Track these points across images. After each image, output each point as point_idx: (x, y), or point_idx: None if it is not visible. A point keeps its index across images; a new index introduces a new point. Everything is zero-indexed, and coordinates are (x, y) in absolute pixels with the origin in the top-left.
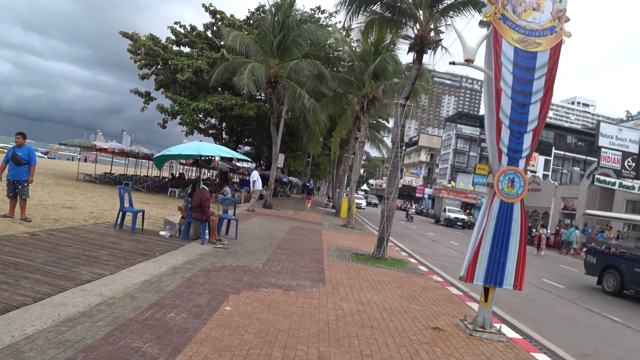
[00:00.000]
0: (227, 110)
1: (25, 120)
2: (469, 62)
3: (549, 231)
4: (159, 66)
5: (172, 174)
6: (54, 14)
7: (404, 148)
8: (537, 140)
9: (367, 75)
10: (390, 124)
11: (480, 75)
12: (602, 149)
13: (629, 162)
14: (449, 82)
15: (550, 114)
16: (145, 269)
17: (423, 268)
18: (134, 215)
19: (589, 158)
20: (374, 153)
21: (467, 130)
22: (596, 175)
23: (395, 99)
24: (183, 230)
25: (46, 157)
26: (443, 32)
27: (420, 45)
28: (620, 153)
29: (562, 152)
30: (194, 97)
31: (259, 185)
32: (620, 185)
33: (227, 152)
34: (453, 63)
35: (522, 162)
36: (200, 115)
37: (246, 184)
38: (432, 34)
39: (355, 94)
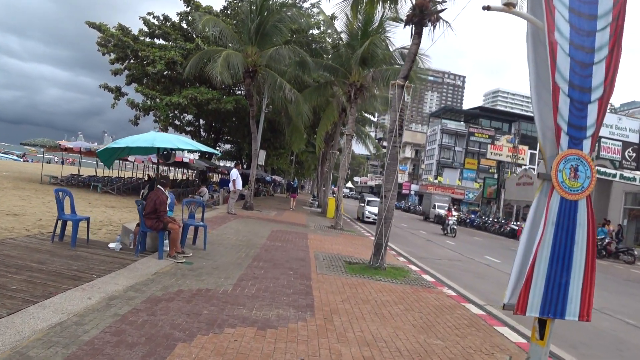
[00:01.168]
0: (203, 105)
1: (4, 123)
2: (510, 5)
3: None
4: (132, 60)
5: (148, 174)
6: (32, 15)
7: (402, 137)
8: (604, 114)
9: (355, 62)
10: (383, 116)
11: (462, 71)
12: (602, 139)
13: (629, 152)
14: (431, 78)
15: (531, 107)
16: (66, 302)
17: (428, 278)
18: (75, 224)
19: None
20: (359, 150)
21: (452, 125)
22: (597, 168)
23: (392, 80)
24: (138, 241)
25: (21, 160)
26: (445, 1)
27: (420, 17)
28: (620, 143)
29: None
30: (168, 92)
31: (239, 184)
32: (621, 176)
33: (188, 144)
34: (488, 8)
35: (587, 144)
36: (176, 112)
37: (226, 184)
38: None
39: (341, 83)
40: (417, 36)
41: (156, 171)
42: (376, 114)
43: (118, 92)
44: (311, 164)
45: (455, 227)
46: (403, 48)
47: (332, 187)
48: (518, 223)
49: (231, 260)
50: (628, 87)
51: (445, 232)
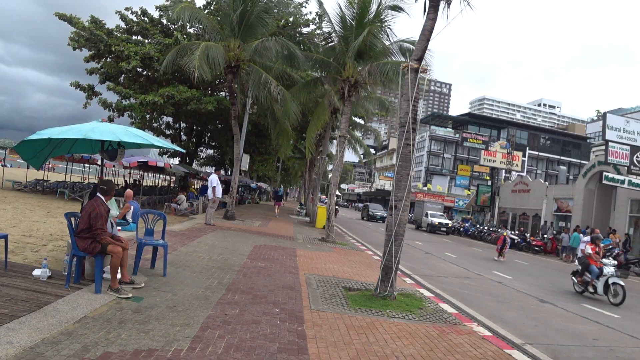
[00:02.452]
0: (182, 105)
1: None
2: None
3: (511, 231)
4: (108, 58)
5: (125, 181)
6: (17, 19)
7: (417, 133)
8: None
9: (350, 55)
10: (376, 120)
11: (448, 79)
12: (610, 143)
13: (637, 157)
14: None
15: (518, 115)
16: None
17: (447, 308)
18: None
19: (562, 158)
20: (346, 156)
21: (440, 132)
22: (604, 173)
23: (405, 62)
24: (68, 268)
25: None
26: None
27: None
28: (628, 147)
29: (536, 153)
30: (145, 92)
31: (219, 192)
32: (630, 183)
33: (138, 137)
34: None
35: None
36: (154, 113)
37: (206, 191)
38: None
39: (333, 80)
40: (432, 10)
41: (100, 174)
42: (366, 118)
43: (91, 91)
44: (298, 170)
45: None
46: (403, 41)
47: (319, 195)
48: (516, 232)
49: (197, 291)
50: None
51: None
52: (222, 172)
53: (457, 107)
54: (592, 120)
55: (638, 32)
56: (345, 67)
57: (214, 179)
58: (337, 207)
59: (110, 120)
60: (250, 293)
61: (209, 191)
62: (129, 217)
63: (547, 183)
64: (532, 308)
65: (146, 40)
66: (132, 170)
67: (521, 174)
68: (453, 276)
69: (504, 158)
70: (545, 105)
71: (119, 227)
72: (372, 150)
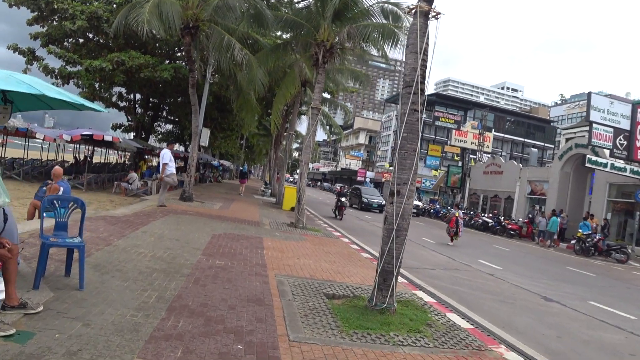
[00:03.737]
0: (134, 73)
1: None
2: None
3: (462, 212)
4: (54, 21)
5: (75, 157)
6: None
7: (425, 97)
8: None
9: (327, 15)
10: (348, 97)
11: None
12: (593, 125)
13: (620, 140)
14: (383, 65)
15: (482, 98)
16: None
17: (459, 320)
18: None
19: (527, 140)
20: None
21: None
22: (587, 156)
23: (412, 5)
24: None
25: None
26: None
27: None
28: (612, 130)
29: (502, 135)
30: (94, 58)
31: (171, 168)
32: (613, 166)
33: (22, 84)
34: None
35: None
36: (102, 83)
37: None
38: None
39: (306, 44)
40: None
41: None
42: (336, 93)
43: (31, 56)
44: (262, 148)
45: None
46: (386, 2)
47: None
48: (492, 216)
49: (123, 316)
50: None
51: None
52: (178, 146)
53: None
54: (556, 104)
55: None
56: (320, 29)
57: (165, 155)
58: None
59: None
60: (202, 315)
61: (160, 168)
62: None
63: (520, 165)
64: (542, 310)
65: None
66: (80, 146)
67: (494, 155)
68: (441, 267)
69: (475, 139)
70: (508, 88)
71: (45, 215)
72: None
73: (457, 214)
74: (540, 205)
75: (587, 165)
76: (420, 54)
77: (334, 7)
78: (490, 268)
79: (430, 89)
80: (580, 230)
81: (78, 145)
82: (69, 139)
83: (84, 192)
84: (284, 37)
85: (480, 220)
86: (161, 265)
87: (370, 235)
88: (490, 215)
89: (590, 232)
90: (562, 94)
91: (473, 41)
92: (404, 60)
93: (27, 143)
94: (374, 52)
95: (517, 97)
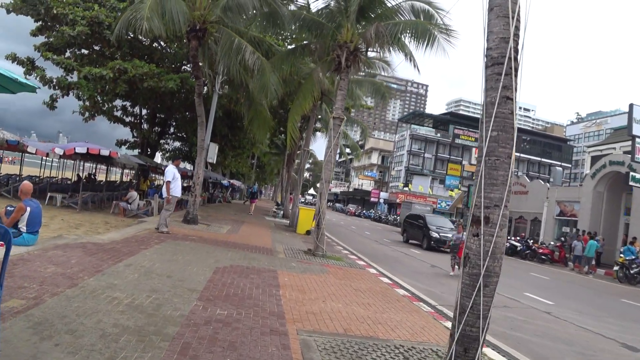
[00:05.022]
0: (137, 82)
1: None
2: None
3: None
4: (57, 30)
5: (77, 175)
6: None
7: (520, 62)
8: None
9: (350, 12)
10: (362, 112)
11: (425, 79)
12: (637, 139)
13: None
14: (395, 85)
15: None
16: None
17: None
18: None
19: (543, 160)
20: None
21: (422, 131)
22: (632, 174)
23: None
24: None
25: None
26: None
27: None
28: None
29: (517, 154)
30: (95, 67)
31: (176, 189)
32: None
33: None
34: None
35: None
36: (104, 95)
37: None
38: None
39: (325, 47)
40: None
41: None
42: (354, 107)
43: (30, 66)
44: (274, 167)
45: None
46: None
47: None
48: (519, 239)
49: None
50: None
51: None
52: (184, 164)
53: (433, 108)
54: (572, 123)
55: (611, 40)
56: (342, 29)
57: (169, 172)
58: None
59: (53, 100)
60: None
61: (163, 189)
62: (22, 225)
63: (548, 185)
64: None
65: (96, 5)
66: (85, 163)
67: (517, 174)
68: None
69: None
70: (520, 108)
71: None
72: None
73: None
74: (577, 228)
75: (630, 183)
76: (513, 20)
77: (358, 3)
78: (542, 304)
79: (440, 110)
80: (622, 255)
81: (82, 163)
82: (62, 153)
83: (78, 212)
84: (301, 41)
85: (508, 244)
86: (137, 321)
87: (395, 263)
88: (518, 238)
89: (634, 257)
90: (578, 112)
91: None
92: (486, 29)
93: (23, 159)
94: (401, 57)
95: (530, 117)
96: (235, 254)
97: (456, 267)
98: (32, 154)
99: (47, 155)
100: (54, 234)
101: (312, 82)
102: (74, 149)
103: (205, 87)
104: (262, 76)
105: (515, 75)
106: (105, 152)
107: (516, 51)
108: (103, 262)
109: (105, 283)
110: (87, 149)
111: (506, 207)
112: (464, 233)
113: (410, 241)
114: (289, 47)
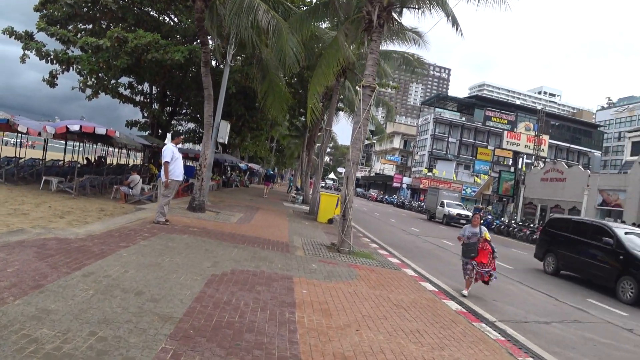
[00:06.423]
0: (140, 53)
1: None
2: None
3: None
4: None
5: (87, 157)
6: None
7: None
8: None
9: None
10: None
11: (447, 64)
12: None
13: None
14: (416, 69)
15: (517, 102)
16: None
17: None
18: None
19: (572, 146)
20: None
21: (446, 114)
22: None
23: None
24: None
25: None
26: None
27: None
28: None
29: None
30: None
31: (177, 171)
32: None
33: None
34: None
35: None
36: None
37: (189, 173)
38: None
39: (353, 5)
40: None
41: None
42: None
43: (29, 39)
44: (294, 151)
45: None
46: None
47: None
48: None
49: None
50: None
51: None
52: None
53: (456, 92)
54: (602, 108)
55: (638, 23)
56: None
57: (168, 151)
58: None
59: (53, 76)
60: None
61: (162, 171)
62: None
63: (588, 171)
64: None
65: None
66: (94, 145)
67: (554, 159)
68: (554, 317)
69: (529, 142)
70: (545, 93)
71: None
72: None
73: (486, 235)
74: (623, 220)
75: None
76: None
77: None
78: (615, 315)
79: (463, 94)
80: None
81: (92, 145)
82: (54, 132)
83: (73, 197)
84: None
85: None
86: None
87: (432, 259)
88: None
89: None
90: (609, 97)
91: (508, 46)
92: None
93: (19, 140)
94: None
95: (555, 102)
96: (241, 252)
97: (472, 282)
98: (24, 133)
99: (39, 134)
100: (25, 225)
101: (336, 46)
102: (66, 126)
103: (215, 61)
104: (279, 38)
105: None
106: (101, 131)
107: None
108: (54, 269)
109: (36, 309)
110: (80, 126)
111: None
112: (482, 228)
113: (563, 272)
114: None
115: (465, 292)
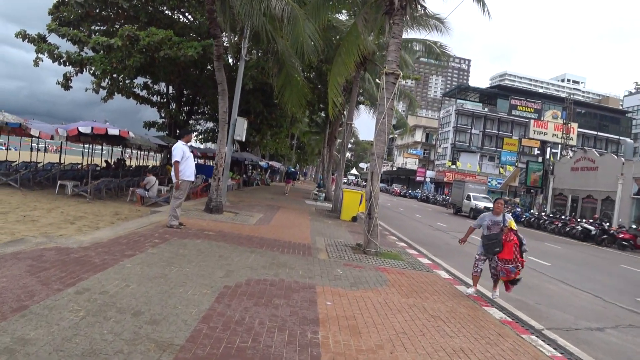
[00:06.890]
0: (153, 51)
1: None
2: None
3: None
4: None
5: (106, 160)
6: (32, 4)
7: None
8: None
9: None
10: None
11: (467, 54)
12: None
13: None
14: (436, 62)
15: (540, 91)
16: None
17: None
18: None
19: (599, 133)
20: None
21: (468, 105)
22: None
23: None
24: None
25: (3, 148)
26: None
27: None
28: None
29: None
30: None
31: (188, 171)
32: None
33: None
34: None
35: None
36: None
37: (204, 172)
38: None
39: None
40: None
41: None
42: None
43: (42, 42)
44: (315, 147)
45: None
46: None
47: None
48: (592, 222)
49: None
50: None
51: None
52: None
53: (477, 83)
54: (630, 94)
55: None
56: None
57: (178, 150)
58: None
59: (67, 79)
60: None
61: (173, 172)
62: None
63: (622, 159)
64: None
65: None
66: (113, 148)
67: (584, 148)
68: (607, 322)
69: (558, 130)
70: (569, 80)
71: None
72: (392, 127)
73: (511, 224)
74: None
75: None
76: None
77: None
78: None
79: (485, 84)
80: None
81: (111, 147)
82: (65, 135)
83: (88, 202)
84: None
85: (580, 228)
86: None
87: (465, 258)
88: (591, 221)
89: None
90: (636, 82)
91: (529, 33)
92: None
93: (36, 145)
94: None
95: (579, 89)
96: (259, 258)
97: (499, 284)
98: (36, 137)
99: (52, 137)
100: (32, 233)
101: (356, 33)
102: (77, 128)
103: (231, 58)
104: (295, 26)
105: None
106: (114, 132)
107: None
108: (44, 286)
109: (11, 338)
110: (92, 128)
111: None
112: (507, 215)
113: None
114: None
115: (494, 295)
